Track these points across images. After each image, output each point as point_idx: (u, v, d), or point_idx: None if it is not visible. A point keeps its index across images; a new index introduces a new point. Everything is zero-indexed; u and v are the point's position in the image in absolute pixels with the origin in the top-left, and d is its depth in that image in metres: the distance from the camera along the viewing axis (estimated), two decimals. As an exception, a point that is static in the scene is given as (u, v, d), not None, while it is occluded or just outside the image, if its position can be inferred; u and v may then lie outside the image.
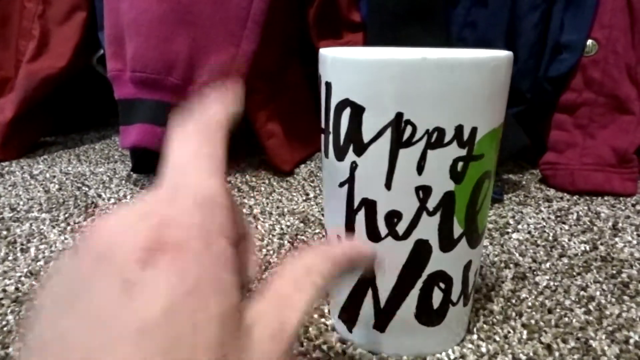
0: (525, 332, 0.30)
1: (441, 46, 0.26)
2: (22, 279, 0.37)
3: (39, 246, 0.42)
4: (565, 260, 0.39)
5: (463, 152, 0.23)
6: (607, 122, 0.53)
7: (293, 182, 0.56)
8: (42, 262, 0.39)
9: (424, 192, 0.23)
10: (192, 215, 0.15)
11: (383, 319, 0.27)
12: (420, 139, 0.22)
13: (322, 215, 0.47)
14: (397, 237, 0.24)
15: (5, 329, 0.31)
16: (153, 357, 0.13)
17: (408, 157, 0.23)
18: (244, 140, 0.69)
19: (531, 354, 0.29)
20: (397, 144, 0.23)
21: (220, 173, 0.17)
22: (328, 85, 0.24)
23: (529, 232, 0.44)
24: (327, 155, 0.26)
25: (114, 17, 0.54)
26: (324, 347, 0.29)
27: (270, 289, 0.17)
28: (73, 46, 0.64)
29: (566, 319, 0.32)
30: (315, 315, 0.32)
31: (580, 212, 0.48)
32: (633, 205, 0.49)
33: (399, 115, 0.22)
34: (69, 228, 0.45)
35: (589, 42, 0.52)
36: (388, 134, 0.23)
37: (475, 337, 0.30)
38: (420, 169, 0.23)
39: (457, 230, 0.25)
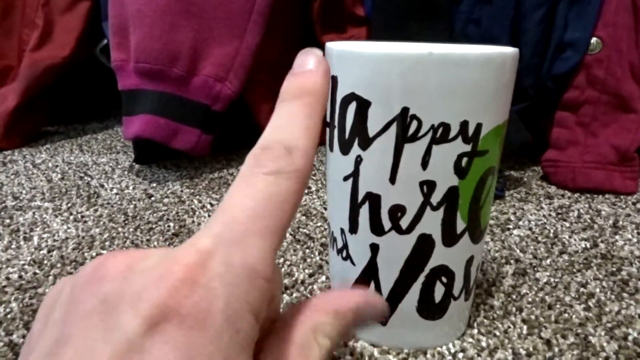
0: (525, 327, 0.31)
1: (445, 42, 0.26)
2: (26, 267, 0.37)
3: (42, 235, 0.42)
4: (566, 257, 0.39)
5: (468, 148, 0.23)
6: (609, 120, 0.53)
7: (295, 176, 0.56)
8: (45, 251, 0.39)
9: (428, 187, 0.24)
10: (223, 284, 0.13)
11: (385, 312, 0.27)
12: (426, 134, 0.23)
13: (324, 208, 0.47)
14: (400, 231, 0.25)
15: (9, 316, 0.31)
16: None
17: (413, 151, 0.23)
18: (246, 133, 0.69)
19: (531, 349, 0.29)
20: (403, 138, 0.23)
21: (274, 240, 0.14)
22: (334, 79, 0.24)
23: (530, 229, 0.44)
24: (331, 149, 0.26)
25: (118, 7, 0.54)
26: (325, 339, 0.29)
27: (275, 356, 0.15)
28: (76, 36, 0.65)
29: (566, 315, 0.32)
30: (317, 308, 0.32)
31: (581, 210, 0.48)
32: (634, 204, 0.49)
33: (405, 110, 0.22)
34: (71, 217, 0.45)
35: (593, 40, 0.52)
36: (393, 128, 0.23)
37: (475, 331, 0.30)
38: (425, 163, 0.23)
39: (460, 225, 0.25)
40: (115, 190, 0.52)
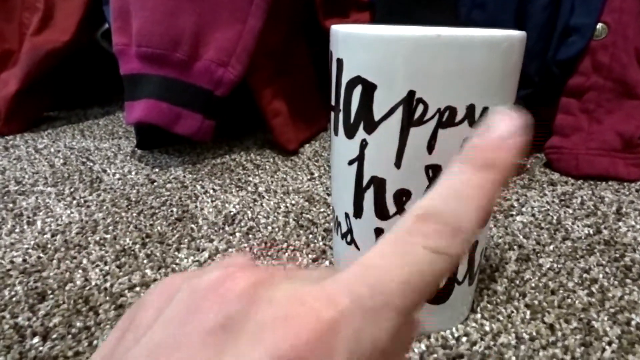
0: (528, 312, 0.31)
1: (450, 26, 0.26)
2: (30, 251, 0.37)
3: (45, 219, 0.42)
4: (569, 243, 0.39)
5: (474, 132, 0.23)
6: (613, 107, 0.52)
7: (297, 162, 0.56)
8: (49, 235, 0.39)
9: (433, 171, 0.23)
10: (347, 351, 0.12)
11: (389, 296, 0.27)
12: (432, 117, 0.22)
13: (327, 194, 0.47)
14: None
15: (14, 299, 0.32)
16: None
17: (419, 135, 0.23)
18: (249, 118, 0.69)
19: (534, 333, 0.29)
20: (408, 122, 0.23)
21: (407, 318, 0.13)
22: (339, 62, 0.24)
23: (533, 215, 0.44)
24: (336, 133, 0.26)
25: (119, -10, 0.53)
26: (329, 323, 0.29)
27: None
28: (77, 20, 0.64)
29: (569, 301, 0.32)
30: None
31: (585, 197, 0.48)
32: (637, 191, 0.49)
33: (411, 93, 0.22)
34: (74, 202, 0.45)
35: (599, 25, 0.51)
36: (399, 112, 0.23)
37: (479, 316, 0.30)
38: (430, 147, 0.23)
39: (466, 209, 0.25)
40: (117, 176, 0.52)
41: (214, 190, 0.48)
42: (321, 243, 0.39)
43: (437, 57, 0.21)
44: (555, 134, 0.55)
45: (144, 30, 0.51)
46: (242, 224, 0.42)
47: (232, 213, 0.43)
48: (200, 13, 0.51)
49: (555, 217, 0.43)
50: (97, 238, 0.39)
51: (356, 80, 0.23)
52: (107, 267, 0.35)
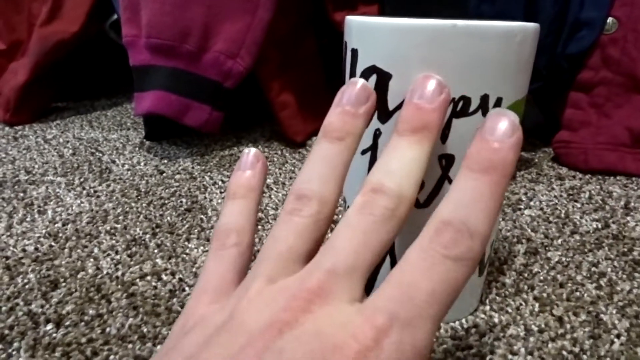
0: (537, 304, 0.31)
1: (459, 19, 0.26)
2: (41, 239, 0.37)
3: (55, 209, 0.42)
4: (577, 237, 0.39)
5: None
6: (623, 101, 0.52)
7: (305, 154, 0.56)
8: (60, 224, 0.40)
9: (447, 160, 0.24)
10: None
11: (399, 286, 0.27)
12: (446, 107, 0.22)
13: (335, 186, 0.47)
14: (418, 205, 0.25)
15: (27, 287, 0.32)
16: None
17: (433, 125, 0.23)
18: (257, 110, 0.69)
19: (543, 325, 0.29)
20: (423, 112, 0.23)
21: (439, 324, 0.16)
22: (354, 52, 0.24)
23: (541, 209, 0.44)
24: (349, 123, 0.26)
25: (129, -19, 0.53)
26: (339, 312, 0.30)
27: None
28: (86, 11, 0.64)
29: (577, 294, 0.32)
30: (330, 283, 0.32)
31: (593, 191, 0.48)
32: (645, 186, 0.49)
33: (426, 83, 0.22)
34: (84, 192, 0.46)
35: (609, 19, 0.51)
36: (414, 101, 0.23)
37: (488, 308, 0.30)
38: (444, 137, 0.23)
39: (478, 200, 0.25)
40: (126, 166, 0.52)
41: (223, 182, 0.48)
42: (329, 235, 0.39)
43: (452, 47, 0.22)
44: (564, 128, 0.55)
45: (154, 22, 0.51)
46: (251, 214, 0.42)
47: (241, 204, 0.43)
48: (209, 5, 0.51)
49: (563, 211, 0.43)
50: (108, 227, 0.39)
51: (371, 70, 0.23)
52: (118, 256, 0.35)
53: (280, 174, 0.50)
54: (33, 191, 0.46)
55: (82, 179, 0.48)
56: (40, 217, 0.41)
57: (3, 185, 0.47)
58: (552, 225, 0.41)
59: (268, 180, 0.49)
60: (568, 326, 0.29)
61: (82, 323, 0.29)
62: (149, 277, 0.33)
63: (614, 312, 0.30)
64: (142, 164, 0.53)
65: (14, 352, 0.26)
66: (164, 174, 0.50)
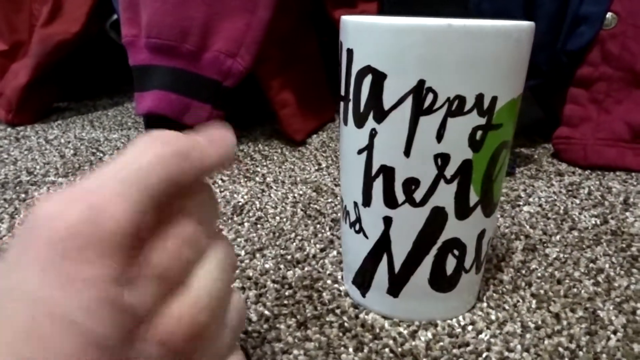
0: (534, 301, 0.31)
1: (459, 17, 0.26)
2: (43, 239, 0.38)
3: (57, 208, 0.42)
4: (576, 233, 0.39)
5: (482, 121, 0.23)
6: (623, 97, 0.52)
7: (305, 152, 0.57)
8: (61, 224, 0.40)
9: (442, 159, 0.24)
10: None
11: (397, 284, 0.27)
12: (441, 106, 0.23)
13: (335, 185, 0.48)
14: (414, 203, 0.25)
15: (28, 286, 0.32)
16: None
17: (428, 124, 0.23)
18: (257, 108, 0.69)
19: (540, 322, 0.29)
20: (418, 111, 0.23)
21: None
22: (349, 52, 0.24)
23: (540, 205, 0.44)
24: (345, 123, 0.26)
25: (128, -19, 0.53)
26: (337, 311, 0.30)
27: None
28: (87, 11, 0.64)
29: (575, 290, 0.32)
30: (329, 281, 0.33)
31: (592, 187, 0.48)
32: (645, 182, 0.49)
33: (421, 82, 0.22)
34: (85, 192, 0.46)
35: (609, 15, 0.51)
36: (409, 101, 0.23)
37: (485, 305, 0.31)
38: (439, 136, 0.23)
39: (473, 198, 0.25)
40: (127, 166, 0.52)
41: (223, 181, 0.49)
42: (329, 233, 0.39)
43: (447, 47, 0.22)
44: (564, 124, 0.55)
45: (154, 22, 0.51)
46: (251, 214, 0.42)
47: (240, 203, 0.44)
48: (209, 4, 0.51)
49: (562, 208, 0.43)
50: (109, 227, 0.39)
51: (366, 70, 0.23)
52: (118, 255, 0.36)
53: (279, 173, 0.51)
54: (35, 192, 0.46)
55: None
56: (42, 217, 0.41)
57: (5, 186, 0.47)
58: (551, 221, 0.41)
59: (268, 179, 0.49)
60: (565, 323, 0.29)
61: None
62: (149, 276, 0.33)
63: (611, 308, 0.31)
64: (143, 163, 0.53)
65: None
66: (165, 173, 0.50)
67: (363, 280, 0.29)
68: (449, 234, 0.26)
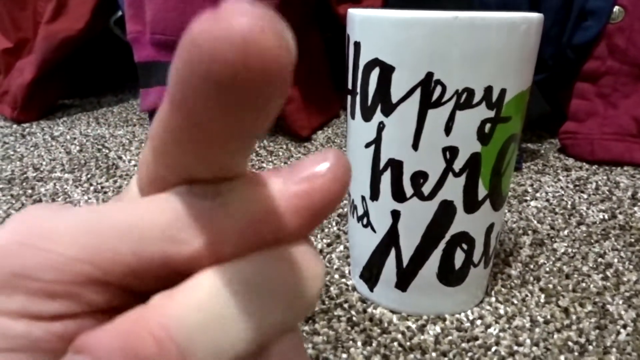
0: (542, 295, 0.31)
1: (464, 10, 0.26)
2: (50, 235, 0.38)
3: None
4: (584, 228, 0.39)
5: (491, 114, 0.23)
6: (630, 91, 0.52)
7: (311, 148, 0.57)
8: (68, 220, 0.40)
9: (450, 152, 0.24)
10: None
11: (405, 278, 0.27)
12: (450, 99, 0.22)
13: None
14: (422, 197, 0.25)
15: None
16: None
17: (436, 117, 0.23)
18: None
19: (548, 316, 0.29)
20: (426, 104, 0.23)
21: None
22: (357, 45, 0.24)
23: (547, 200, 0.44)
24: (353, 117, 0.26)
25: (133, -23, 0.53)
26: (345, 305, 0.30)
27: None
28: (91, 8, 0.64)
29: (583, 285, 0.32)
30: (336, 276, 0.33)
31: (600, 182, 0.48)
32: (653, 176, 0.49)
33: (429, 75, 0.22)
34: (91, 188, 0.46)
35: (615, 8, 0.51)
36: (417, 94, 0.23)
37: (493, 299, 0.31)
38: (448, 129, 0.23)
39: (482, 192, 0.25)
40: (133, 162, 0.52)
41: (228, 176, 0.49)
42: (335, 228, 0.39)
43: (455, 39, 0.22)
44: (570, 119, 0.54)
45: (158, 18, 0.51)
46: (257, 209, 0.42)
47: (246, 198, 0.44)
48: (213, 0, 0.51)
49: (569, 202, 0.43)
50: (115, 223, 0.39)
51: (374, 63, 0.23)
52: (125, 251, 0.36)
53: (285, 168, 0.51)
54: (41, 188, 0.46)
55: (89, 175, 0.49)
56: (49, 214, 0.41)
57: (11, 182, 0.47)
58: (559, 216, 0.41)
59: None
60: (574, 317, 0.29)
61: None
62: (156, 272, 0.33)
63: (621, 302, 0.30)
64: (148, 159, 0.53)
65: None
66: (170, 170, 0.50)
67: (371, 274, 0.29)
68: (457, 228, 0.25)
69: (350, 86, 0.26)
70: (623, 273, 0.33)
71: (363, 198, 0.27)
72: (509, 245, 0.36)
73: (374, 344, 0.27)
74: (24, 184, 0.47)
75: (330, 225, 0.39)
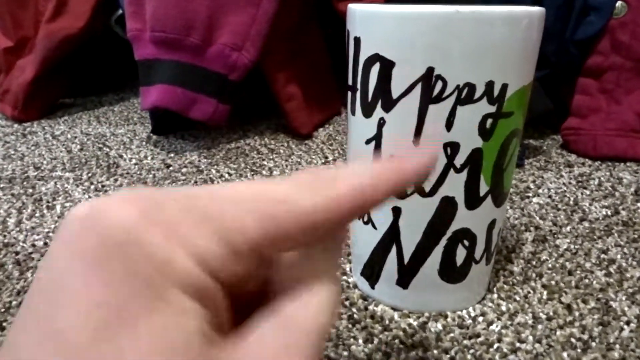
0: (545, 292, 0.31)
1: (466, 4, 0.25)
2: (51, 234, 0.38)
3: (64, 204, 0.42)
4: (586, 224, 0.39)
5: (493, 109, 0.23)
6: (633, 86, 0.52)
7: (312, 145, 0.56)
8: (69, 219, 0.40)
9: (452, 148, 0.23)
10: None
11: (406, 275, 0.27)
12: (451, 94, 0.22)
13: (342, 177, 0.47)
14: (423, 193, 0.24)
15: (37, 280, 0.32)
16: None
17: (437, 112, 0.23)
18: (263, 102, 0.69)
19: (551, 313, 0.29)
20: (427, 99, 0.22)
21: None
22: (357, 40, 0.24)
23: (550, 197, 0.43)
24: (353, 113, 0.26)
25: (133, -25, 0.53)
26: (346, 303, 0.30)
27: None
28: (92, 6, 0.64)
29: (586, 281, 0.32)
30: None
31: (602, 178, 0.47)
32: (656, 172, 0.49)
33: (430, 69, 0.22)
34: (92, 187, 0.46)
35: (618, 3, 0.50)
36: (418, 89, 0.22)
37: (495, 296, 0.30)
38: (449, 125, 0.23)
39: (483, 188, 0.25)
40: (134, 161, 0.52)
41: (229, 175, 0.48)
42: (337, 225, 0.39)
43: (456, 34, 0.21)
44: (573, 115, 0.54)
45: (158, 15, 0.51)
46: (258, 206, 0.42)
47: (247, 196, 0.44)
48: (213, -3, 0.51)
49: (572, 199, 0.43)
50: (116, 221, 0.39)
51: (374, 58, 0.23)
52: (126, 249, 0.35)
53: (286, 166, 0.50)
54: (42, 187, 0.46)
55: (90, 174, 0.49)
56: (49, 213, 0.41)
57: (12, 182, 0.47)
58: (561, 212, 0.41)
59: (274, 172, 0.49)
60: (577, 314, 0.29)
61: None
62: (157, 270, 0.33)
63: (624, 299, 0.30)
64: (149, 158, 0.53)
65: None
66: (171, 168, 0.50)
67: (372, 271, 0.29)
68: (459, 224, 0.25)
69: (350, 82, 0.26)
70: (626, 269, 0.33)
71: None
72: (511, 241, 0.36)
73: (376, 341, 0.27)
74: (25, 183, 0.47)
75: (331, 223, 0.39)
